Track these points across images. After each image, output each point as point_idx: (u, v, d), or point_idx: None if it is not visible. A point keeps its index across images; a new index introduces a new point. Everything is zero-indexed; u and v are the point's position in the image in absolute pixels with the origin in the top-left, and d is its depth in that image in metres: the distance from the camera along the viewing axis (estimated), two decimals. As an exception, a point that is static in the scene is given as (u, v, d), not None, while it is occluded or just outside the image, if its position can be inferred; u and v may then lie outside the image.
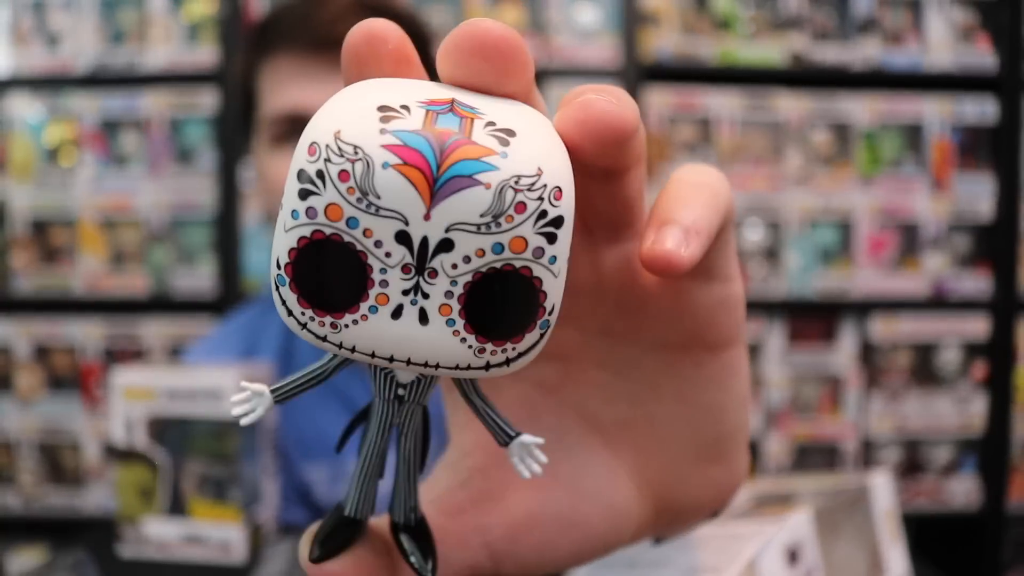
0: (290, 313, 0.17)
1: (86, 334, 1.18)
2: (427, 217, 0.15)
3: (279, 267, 0.16)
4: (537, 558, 0.23)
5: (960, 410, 1.22)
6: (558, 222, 0.16)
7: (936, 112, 1.21)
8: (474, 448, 0.24)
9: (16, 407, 1.19)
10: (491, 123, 0.16)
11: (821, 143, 1.20)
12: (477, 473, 0.23)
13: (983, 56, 1.21)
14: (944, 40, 1.21)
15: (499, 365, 0.17)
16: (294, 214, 0.16)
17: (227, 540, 0.59)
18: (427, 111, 0.16)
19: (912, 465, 1.22)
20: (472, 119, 0.16)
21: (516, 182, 0.15)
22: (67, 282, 1.18)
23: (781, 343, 1.21)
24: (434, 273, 0.16)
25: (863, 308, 1.21)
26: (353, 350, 0.17)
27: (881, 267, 1.21)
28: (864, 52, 1.21)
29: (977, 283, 1.22)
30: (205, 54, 1.17)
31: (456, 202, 0.15)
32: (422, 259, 0.16)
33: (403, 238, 0.15)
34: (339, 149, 0.15)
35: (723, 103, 1.19)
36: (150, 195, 1.18)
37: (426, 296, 0.16)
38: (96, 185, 1.18)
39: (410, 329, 0.16)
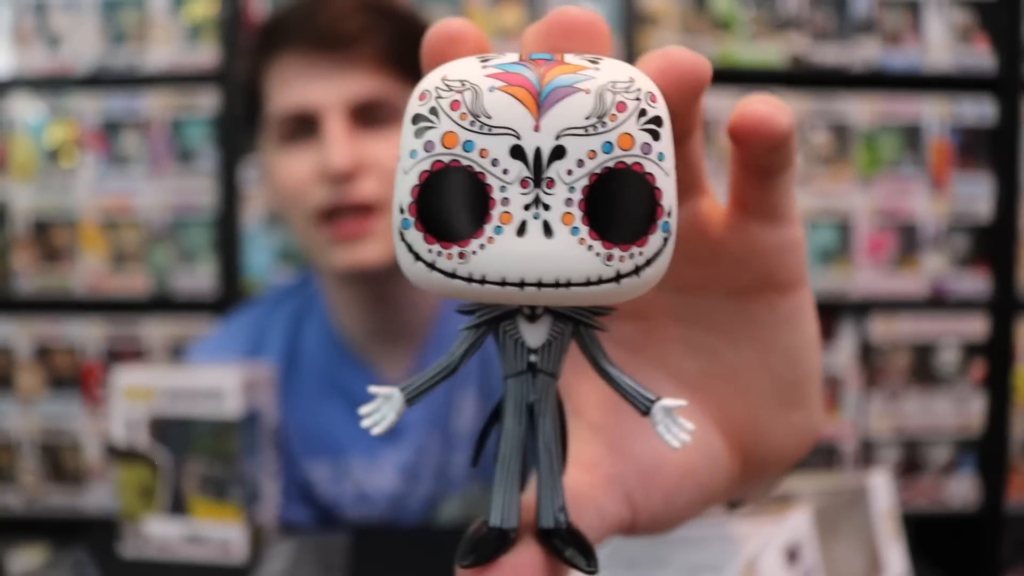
0: (417, 257, 0.17)
1: (87, 334, 1.19)
2: (537, 128, 0.17)
3: (402, 211, 0.17)
4: (665, 507, 0.23)
5: (959, 410, 1.23)
6: (658, 121, 0.17)
7: (935, 113, 1.21)
8: (584, 407, 0.24)
9: (17, 407, 1.19)
10: (576, 55, 0.18)
11: (820, 144, 1.21)
12: (597, 429, 0.24)
13: (982, 57, 1.21)
14: (943, 41, 1.21)
15: (629, 275, 0.17)
16: (412, 154, 0.17)
17: (228, 540, 0.59)
18: (520, 54, 0.18)
19: (911, 465, 1.22)
20: (561, 54, 0.18)
21: (613, 86, 0.17)
22: (68, 282, 1.19)
23: (780, 343, 1.21)
24: (551, 183, 0.17)
25: (862, 308, 1.21)
26: (483, 281, 0.17)
27: (880, 267, 1.21)
28: (863, 53, 1.21)
29: (976, 283, 1.22)
30: (206, 55, 1.17)
31: (562, 109, 0.16)
32: (538, 170, 0.17)
33: (518, 152, 0.17)
34: (447, 86, 0.17)
35: (722, 104, 1.20)
36: (151, 195, 1.18)
37: (547, 208, 0.17)
38: (97, 185, 1.18)
39: (536, 245, 0.17)
